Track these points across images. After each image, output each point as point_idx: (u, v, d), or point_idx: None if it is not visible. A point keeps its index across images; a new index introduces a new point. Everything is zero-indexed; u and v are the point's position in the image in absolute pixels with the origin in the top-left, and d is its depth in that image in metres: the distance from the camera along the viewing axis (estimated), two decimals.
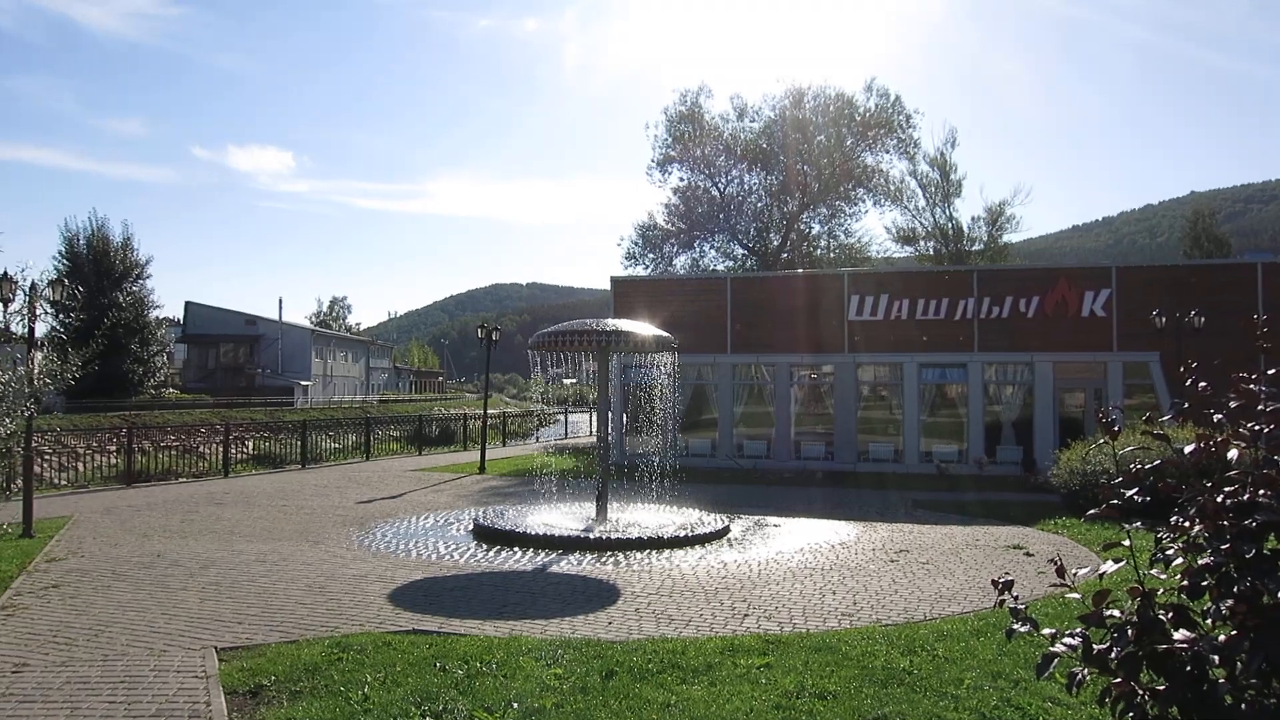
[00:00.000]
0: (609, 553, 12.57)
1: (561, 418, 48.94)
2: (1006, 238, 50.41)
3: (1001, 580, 3.81)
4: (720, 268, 48.02)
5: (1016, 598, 3.78)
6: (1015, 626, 3.71)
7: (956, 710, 6.14)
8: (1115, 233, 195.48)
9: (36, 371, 13.74)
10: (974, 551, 12.90)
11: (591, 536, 13.36)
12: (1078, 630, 3.54)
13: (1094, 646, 3.46)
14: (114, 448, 25.39)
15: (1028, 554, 12.59)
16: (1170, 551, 3.55)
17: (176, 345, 67.95)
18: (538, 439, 44.30)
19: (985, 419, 26.03)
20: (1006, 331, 25.79)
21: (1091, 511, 3.73)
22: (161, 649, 7.69)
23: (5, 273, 14.09)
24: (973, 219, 50.81)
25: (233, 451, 26.53)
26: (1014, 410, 26.24)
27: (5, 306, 14.22)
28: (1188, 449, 3.54)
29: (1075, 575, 3.68)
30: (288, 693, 6.55)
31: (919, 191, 49.44)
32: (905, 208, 49.67)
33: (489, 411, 31.54)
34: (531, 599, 9.78)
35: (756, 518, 16.35)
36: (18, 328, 14.70)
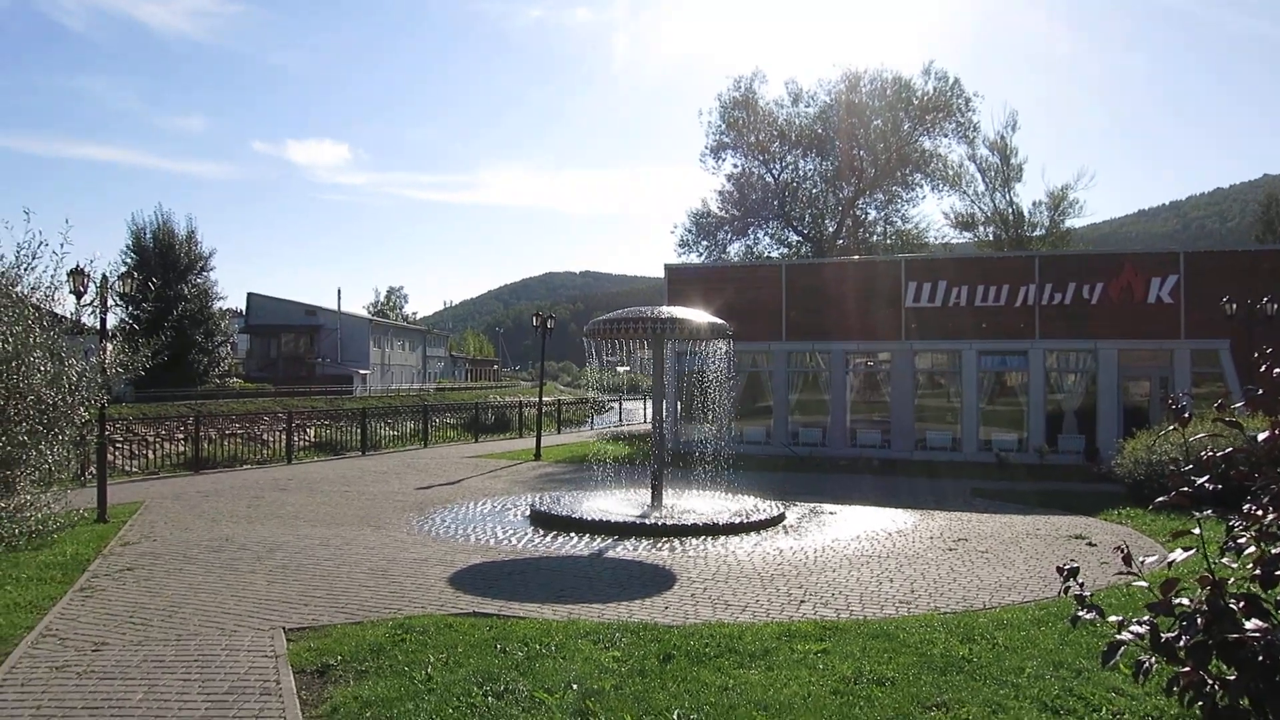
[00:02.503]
0: (665, 538, 12.63)
1: (615, 405, 49.15)
2: (1069, 223, 49.32)
3: (1066, 567, 3.78)
4: (775, 255, 47.76)
5: (1082, 584, 3.75)
6: (1080, 614, 3.68)
7: (1017, 699, 6.09)
8: (1183, 217, 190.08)
9: (108, 361, 14.15)
10: (1034, 541, 12.73)
11: (647, 522, 13.43)
12: (1145, 619, 3.50)
13: (1162, 635, 3.42)
14: (181, 435, 26.10)
15: (1090, 544, 12.39)
16: (1243, 540, 3.49)
17: (239, 336, 69.42)
18: (592, 426, 44.55)
19: (1046, 407, 25.60)
20: (1069, 318, 25.30)
21: (1160, 499, 3.68)
22: (232, 629, 7.92)
23: (78, 266, 14.53)
24: (1034, 204, 49.89)
25: (295, 439, 27.10)
26: (1076, 398, 25.75)
27: (78, 299, 14.66)
28: (1261, 436, 3.48)
29: (1142, 564, 3.64)
30: (354, 672, 6.71)
31: (978, 176, 48.59)
32: (964, 193, 48.86)
33: (544, 399, 31.79)
34: (588, 583, 9.88)
35: (812, 505, 16.29)
36: (90, 319, 15.14)
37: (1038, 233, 48.67)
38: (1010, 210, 48.93)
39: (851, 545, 12.41)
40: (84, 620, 8.24)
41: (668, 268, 30.42)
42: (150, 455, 23.93)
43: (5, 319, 12.24)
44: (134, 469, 22.92)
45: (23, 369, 12.20)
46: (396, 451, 28.80)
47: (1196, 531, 3.54)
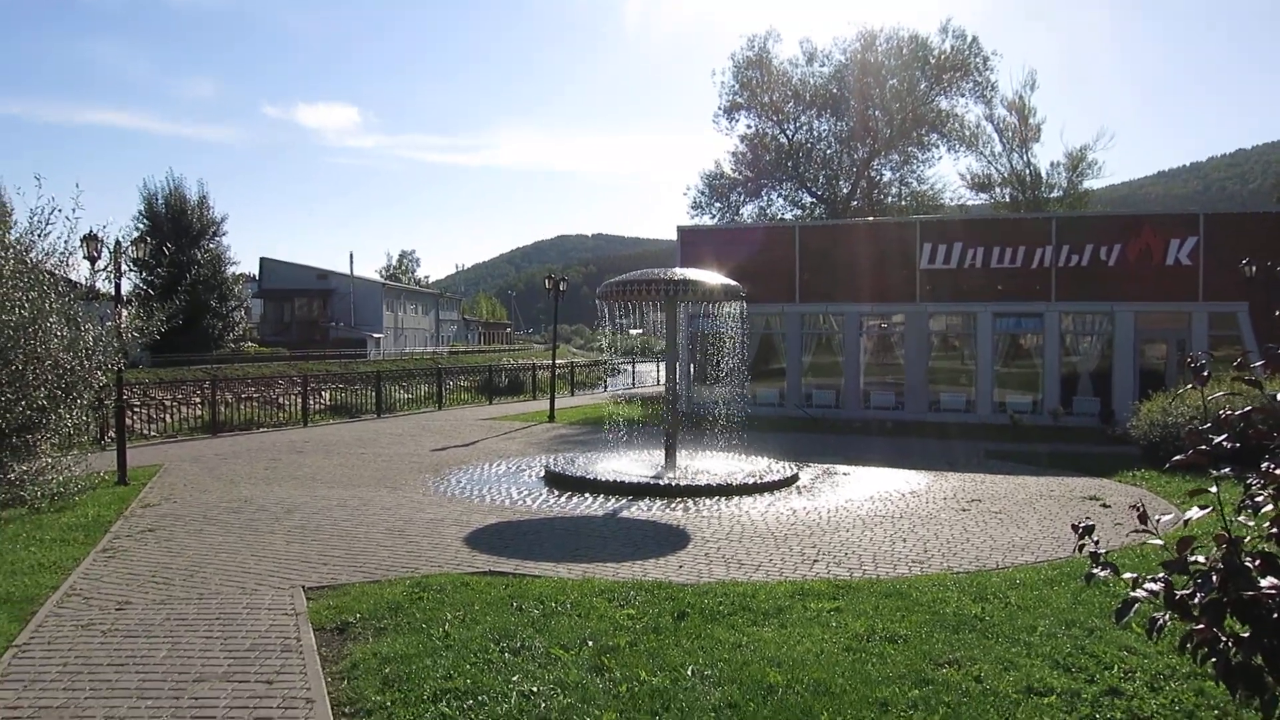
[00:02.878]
0: (678, 499, 12.71)
1: (628, 368, 49.20)
2: (1087, 184, 48.77)
3: (1081, 525, 3.79)
4: (788, 216, 47.46)
5: (1097, 542, 3.76)
6: (1094, 571, 3.68)
7: (1029, 657, 6.14)
8: (1204, 179, 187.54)
9: (124, 326, 14.23)
10: (1048, 502, 12.75)
11: (661, 483, 13.51)
12: (1160, 576, 3.51)
13: (1176, 592, 3.43)
14: (198, 399, 26.29)
15: (1104, 505, 12.40)
16: (1260, 498, 3.48)
17: (253, 300, 69.64)
18: (605, 389, 44.64)
19: (1061, 369, 25.49)
20: (1086, 280, 25.10)
21: (1177, 458, 3.67)
22: (253, 588, 8.04)
23: (91, 232, 14.56)
24: (1052, 165, 49.22)
25: (310, 402, 27.27)
26: (1092, 361, 25.63)
27: (92, 265, 14.72)
28: None
29: (1157, 523, 3.64)
30: (373, 629, 6.81)
31: (995, 136, 48.02)
32: (980, 153, 48.33)
33: (557, 361, 31.84)
34: (603, 543, 9.97)
35: (825, 466, 16.34)
36: (104, 285, 15.20)
37: (1055, 194, 48.17)
38: (1027, 171, 48.42)
39: (865, 506, 12.46)
40: (107, 580, 8.37)
41: (680, 229, 30.28)
42: (168, 419, 24.14)
43: (21, 285, 12.31)
44: (152, 432, 23.13)
45: (40, 334, 12.29)
46: (411, 414, 28.96)
47: (1213, 490, 3.54)
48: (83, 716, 5.29)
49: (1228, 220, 24.77)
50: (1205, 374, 3.81)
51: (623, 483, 13.50)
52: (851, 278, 27.15)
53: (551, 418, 26.17)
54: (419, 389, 33.67)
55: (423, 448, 19.20)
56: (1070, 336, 25.85)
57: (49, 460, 12.73)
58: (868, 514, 11.86)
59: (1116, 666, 5.95)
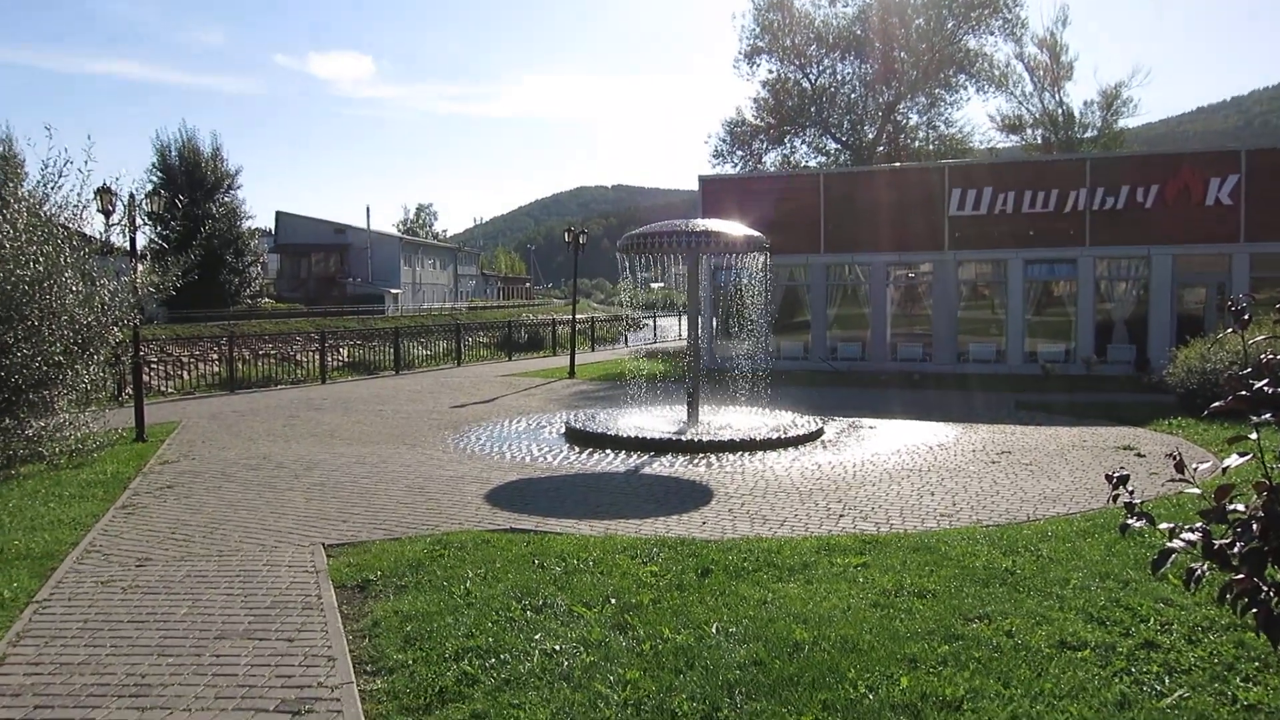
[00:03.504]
0: (701, 455, 12.72)
1: (650, 322, 49.13)
2: (1122, 123, 47.91)
3: (1116, 475, 3.73)
4: (812, 164, 46.92)
5: (1131, 492, 3.71)
6: (1129, 521, 3.64)
7: (1062, 610, 6.11)
8: (1245, 113, 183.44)
9: (140, 281, 14.30)
10: (1080, 453, 12.65)
11: (683, 439, 13.52)
12: (1197, 525, 3.46)
13: (1215, 542, 3.38)
14: (215, 356, 26.51)
15: (1139, 455, 12.29)
16: None
17: (269, 255, 69.91)
18: (626, 344, 44.66)
19: (1095, 317, 25.20)
20: (1121, 224, 24.70)
21: (1216, 404, 3.60)
22: (273, 545, 8.13)
23: (105, 184, 14.58)
24: (1085, 104, 48.54)
25: (328, 359, 27.44)
26: (1127, 307, 25.32)
27: (106, 218, 14.76)
28: None
29: (1195, 471, 3.57)
30: (393, 587, 6.87)
31: (1026, 76, 47.13)
32: (1011, 94, 47.46)
33: (577, 317, 31.82)
34: (625, 499, 10.00)
35: (851, 420, 16.29)
36: (119, 239, 15.24)
37: (1089, 134, 47.33)
38: (1060, 111, 47.55)
39: (891, 459, 12.42)
40: (127, 537, 8.48)
41: (702, 179, 30.01)
42: (185, 376, 24.37)
43: (35, 239, 12.35)
44: (169, 389, 23.38)
45: (55, 289, 12.36)
46: (430, 371, 29.10)
47: (1253, 437, 3.47)
48: (104, 673, 5.38)
49: (1271, 156, 24.22)
50: (1246, 317, 3.72)
51: (644, 439, 13.52)
52: (877, 226, 26.86)
53: (572, 373, 26.21)
54: (437, 345, 33.78)
55: (442, 405, 19.29)
56: (1105, 282, 25.53)
57: (66, 416, 12.88)
58: (895, 467, 11.83)
59: (1153, 619, 5.91)
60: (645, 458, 12.59)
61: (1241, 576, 3.27)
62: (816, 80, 46.97)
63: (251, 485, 10.85)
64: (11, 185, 13.17)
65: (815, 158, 47.80)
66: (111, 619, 6.30)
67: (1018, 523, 8.72)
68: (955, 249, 26.29)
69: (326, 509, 9.54)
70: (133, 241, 14.98)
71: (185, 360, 26.22)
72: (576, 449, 13.36)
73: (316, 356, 26.67)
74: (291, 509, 9.56)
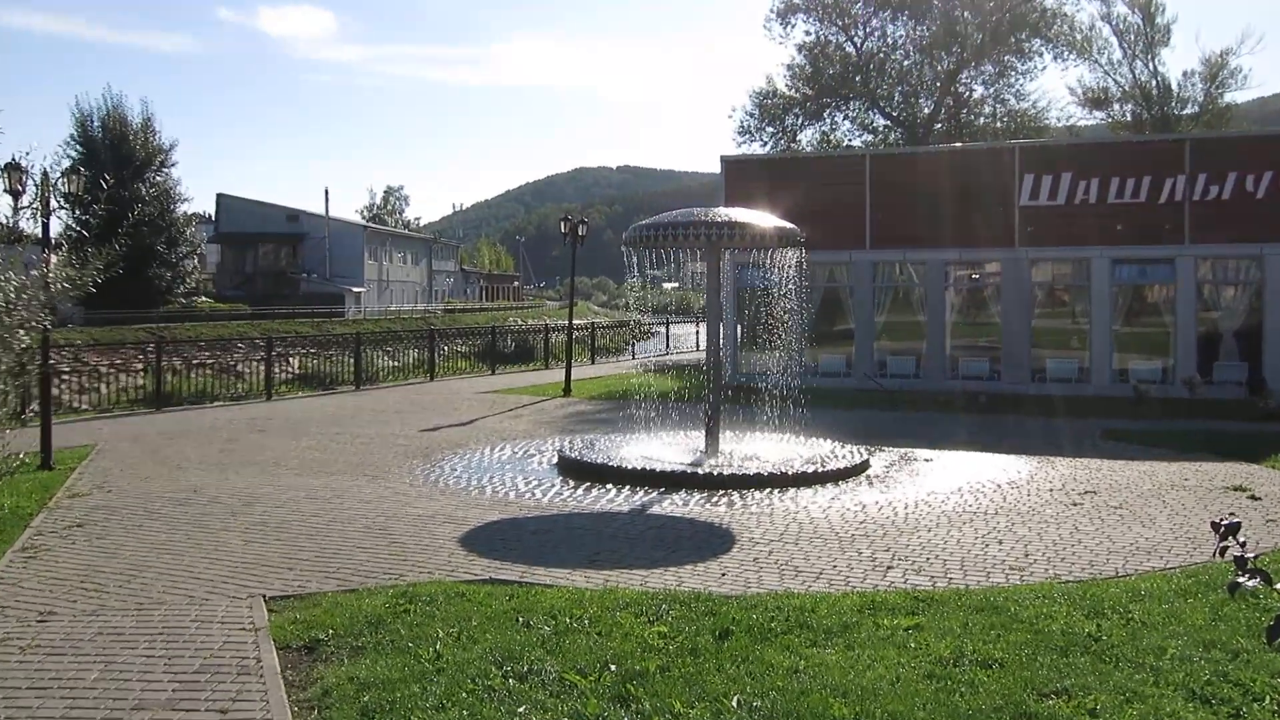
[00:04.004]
0: (721, 491, 12.67)
1: (661, 330, 49.16)
2: (1229, 97, 47.91)
3: (1224, 522, 3.66)
4: (857, 143, 47.07)
5: (1243, 544, 3.64)
6: (1241, 580, 3.57)
7: (1158, 685, 6.03)
8: None
9: (53, 275, 14.27)
10: (1181, 493, 12.57)
11: (700, 472, 13.48)
12: None
13: None
14: (140, 366, 26.53)
15: (1253, 497, 12.23)
16: None
17: (208, 246, 70.25)
18: (633, 355, 44.67)
19: (1198, 328, 25.13)
20: (1228, 217, 24.63)
21: None
22: (203, 597, 8.08)
23: (14, 160, 14.57)
24: (1184, 74, 48.72)
25: (276, 370, 27.48)
26: (1237, 317, 25.24)
27: (15, 200, 14.76)
28: None
29: None
30: (348, 648, 6.82)
31: (1113, 41, 47.24)
32: (1095, 62, 47.56)
33: (575, 323, 31.83)
34: (629, 545, 9.95)
35: (902, 451, 16.22)
36: (29, 225, 15.23)
37: (1189, 110, 47.37)
38: (1154, 83, 47.58)
39: (951, 499, 12.35)
40: (27, 586, 8.45)
41: (725, 160, 30.07)
42: (104, 389, 24.39)
43: None
44: (84, 405, 23.43)
45: None
46: (397, 386, 29.10)
47: None
48: None
49: None
50: None
51: (654, 471, 13.47)
52: (935, 218, 26.84)
53: (567, 391, 26.19)
54: (407, 355, 33.82)
55: (410, 427, 19.27)
56: (1209, 287, 25.45)
57: None
58: (955, 509, 11.75)
59: (1269, 697, 5.84)
60: (654, 494, 12.54)
61: None
62: (863, 44, 47.13)
63: (179, 524, 10.81)
64: None
65: (860, 136, 47.96)
66: (5, 684, 6.25)
67: (1104, 578, 8.65)
68: (1028, 245, 26.26)
69: (269, 553, 9.50)
70: (45, 228, 14.98)
71: (104, 371, 26.26)
72: (571, 483, 13.31)
73: (261, 368, 26.68)
74: (226, 553, 9.51)
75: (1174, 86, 47.93)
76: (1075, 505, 11.94)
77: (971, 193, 26.74)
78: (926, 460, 15.43)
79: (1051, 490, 12.93)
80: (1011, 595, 7.96)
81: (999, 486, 13.23)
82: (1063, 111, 49.03)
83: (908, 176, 27.95)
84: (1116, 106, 48.36)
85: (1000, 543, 10.05)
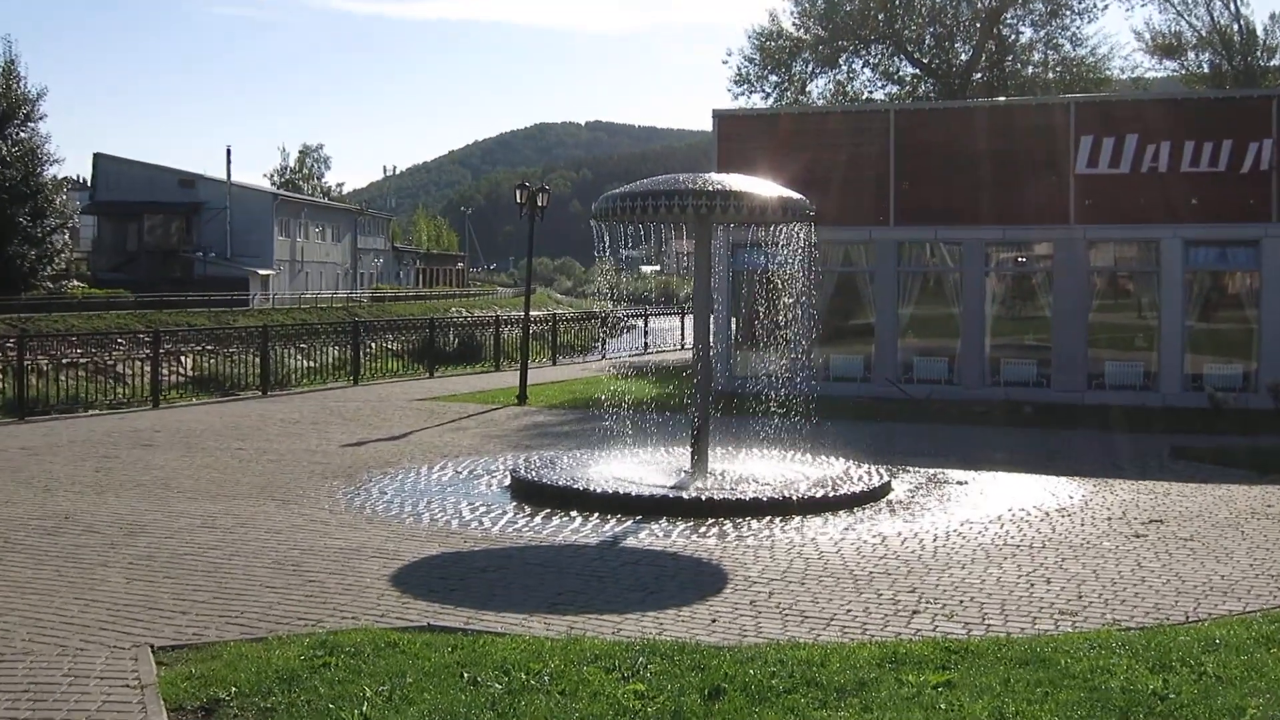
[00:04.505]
0: (711, 520, 12.69)
1: (639, 323, 49.10)
2: None
3: None
4: (880, 96, 47.19)
5: None
6: None
7: None
8: None
9: None
10: (1264, 524, 12.69)
11: (685, 496, 13.52)
12: None
13: None
14: None
15: None
16: None
17: (82, 218, 69.74)
18: (604, 355, 44.60)
19: None
20: None
21: None
22: (78, 647, 8.04)
23: None
24: (1272, 17, 49.01)
25: (165, 372, 27.35)
26: None
27: None
28: None
29: None
30: (255, 710, 6.82)
31: None
32: (1166, 2, 47.81)
33: (533, 314, 31.78)
34: (599, 585, 9.97)
35: (931, 471, 16.32)
36: None
37: (1277, 61, 47.65)
38: (1236, 27, 47.91)
39: (990, 530, 12.43)
40: None
41: (718, 116, 30.05)
42: None
43: None
44: None
45: None
46: (313, 391, 29.01)
47: None
48: None
49: None
50: None
51: (628, 495, 13.49)
52: (973, 188, 26.96)
53: (522, 398, 26.16)
54: (326, 354, 33.68)
55: (330, 442, 19.25)
56: None
57: None
58: (994, 542, 11.83)
59: None
60: (629, 523, 12.56)
61: None
62: None
63: (47, 558, 10.76)
64: None
65: (883, 87, 48.12)
66: None
67: (1172, 624, 8.72)
68: (1085, 223, 26.34)
69: (158, 594, 9.47)
70: None
71: None
72: (527, 510, 13.33)
73: (147, 368, 26.54)
74: (106, 594, 9.48)
75: (1260, 32, 48.30)
76: (1138, 537, 12.02)
77: (1017, 158, 26.85)
78: (960, 483, 15.52)
79: (1110, 519, 13.02)
80: (1062, 645, 8.02)
81: (1047, 514, 13.32)
82: (1127, 60, 49.34)
83: (941, 137, 28.00)
84: (1191, 55, 48.67)
85: (1048, 582, 10.12)
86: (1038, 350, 27.14)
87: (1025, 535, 12.19)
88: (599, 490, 13.68)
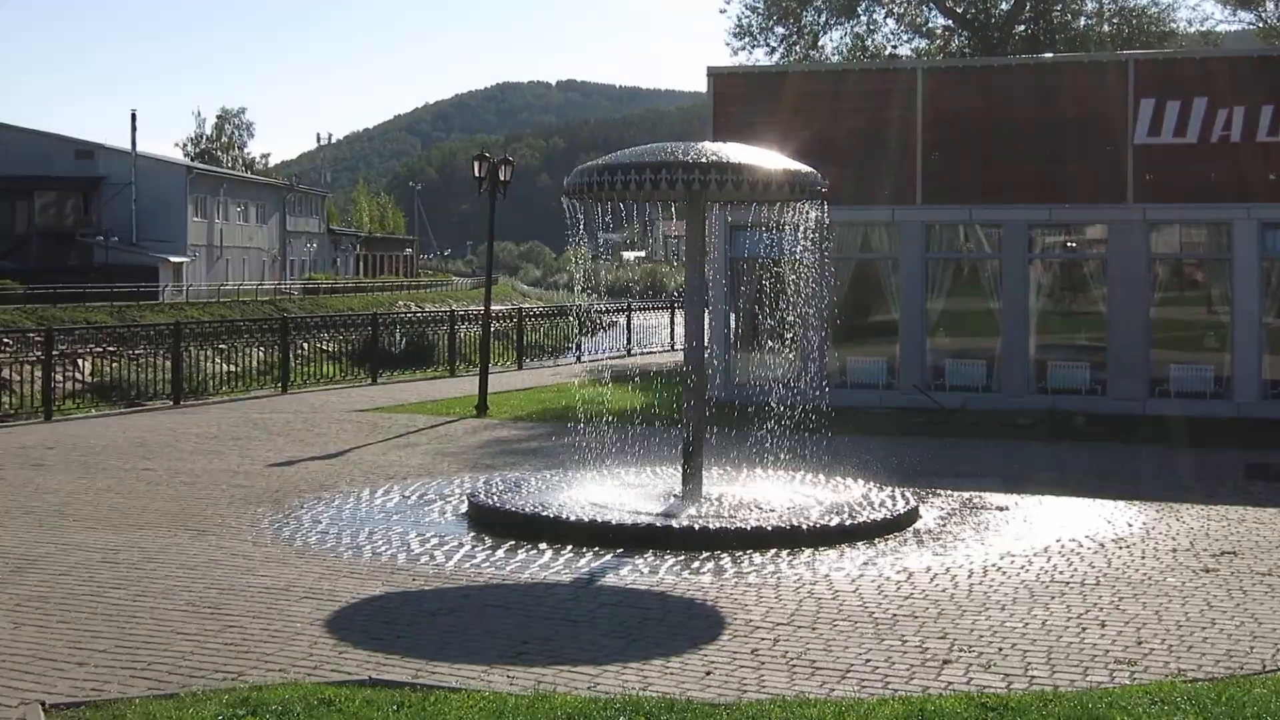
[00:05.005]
0: (706, 553, 12.68)
1: (620, 320, 49.05)
2: None
3: None
4: (904, 51, 47.27)
5: None
6: None
7: None
8: None
9: None
10: None
11: (676, 525, 13.53)
12: None
13: None
14: None
15: None
16: None
17: None
18: (579, 357, 44.57)
19: None
20: None
21: None
22: None
23: None
24: None
25: (59, 378, 27.25)
26: None
27: None
28: None
29: None
30: None
31: None
32: None
33: (494, 309, 31.74)
34: (572, 630, 9.96)
35: (966, 495, 16.35)
36: None
37: None
38: None
39: (1034, 564, 12.45)
40: None
41: (714, 74, 29.99)
42: None
43: None
44: None
45: None
46: (235, 400, 28.97)
47: None
48: None
49: None
50: None
51: (608, 524, 13.51)
52: (1015, 160, 26.99)
53: (482, 409, 26.13)
54: (249, 355, 33.62)
55: (255, 461, 19.22)
56: None
57: None
58: (1039, 579, 11.84)
59: None
60: (608, 557, 12.55)
61: None
62: None
63: None
64: None
65: (910, 41, 48.19)
66: None
67: (1246, 675, 8.74)
68: (1146, 201, 26.37)
69: (51, 642, 9.44)
70: None
71: None
72: (488, 541, 13.32)
73: (38, 373, 26.46)
74: None
75: None
76: (1208, 572, 12.04)
77: (1067, 125, 26.88)
78: (1000, 509, 15.53)
79: (1175, 551, 13.04)
80: (1118, 700, 8.03)
81: (1101, 546, 13.34)
82: (1195, 11, 50.07)
83: (977, 100, 27.97)
84: (1271, 6, 48.83)
85: (1103, 626, 10.13)
86: (1090, 351, 27.17)
87: (1076, 570, 12.20)
88: (573, 518, 13.68)
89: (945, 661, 9.15)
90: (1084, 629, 10.05)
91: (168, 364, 28.87)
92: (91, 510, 15.07)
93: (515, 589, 11.34)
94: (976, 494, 16.47)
